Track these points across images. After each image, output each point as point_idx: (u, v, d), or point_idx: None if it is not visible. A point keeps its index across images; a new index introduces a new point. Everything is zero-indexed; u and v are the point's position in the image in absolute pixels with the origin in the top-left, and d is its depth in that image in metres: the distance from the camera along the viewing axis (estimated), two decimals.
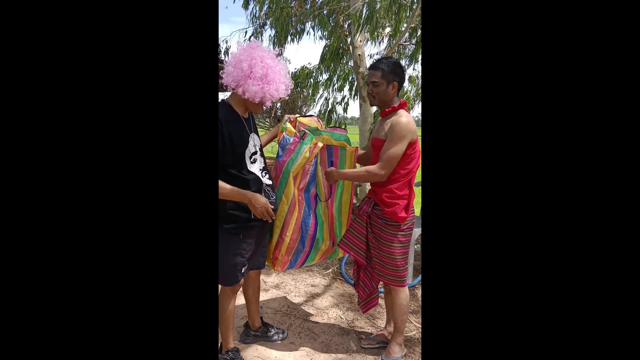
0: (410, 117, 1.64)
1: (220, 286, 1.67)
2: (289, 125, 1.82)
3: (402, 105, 1.69)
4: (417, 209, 3.99)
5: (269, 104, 1.55)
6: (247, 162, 1.57)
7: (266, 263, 1.88)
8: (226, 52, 5.25)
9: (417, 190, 1.89)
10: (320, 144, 1.80)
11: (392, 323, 1.91)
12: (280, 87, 1.50)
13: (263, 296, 2.37)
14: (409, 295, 1.86)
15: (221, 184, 1.48)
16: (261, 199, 1.55)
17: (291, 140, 1.78)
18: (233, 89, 1.52)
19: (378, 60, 1.71)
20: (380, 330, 2.03)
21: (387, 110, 1.70)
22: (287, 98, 1.70)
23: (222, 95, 1.68)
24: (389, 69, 1.65)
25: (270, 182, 1.67)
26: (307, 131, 1.81)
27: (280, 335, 2.00)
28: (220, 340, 1.77)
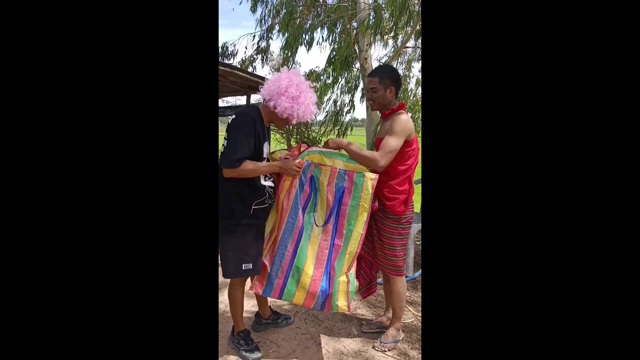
0: (408, 117, 1.80)
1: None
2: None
3: (400, 107, 1.84)
4: (416, 206, 4.10)
5: (294, 122, 1.73)
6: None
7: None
8: (231, 55, 5.44)
9: (417, 188, 2.01)
10: (304, 161, 1.76)
11: (390, 310, 2.05)
12: (308, 110, 1.69)
13: None
14: (406, 284, 2.00)
15: (255, 163, 1.65)
16: (284, 163, 1.73)
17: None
18: (266, 102, 1.71)
19: (375, 68, 1.88)
20: (380, 316, 2.18)
21: (386, 112, 1.86)
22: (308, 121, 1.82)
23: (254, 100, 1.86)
24: (386, 75, 1.83)
25: (272, 185, 1.82)
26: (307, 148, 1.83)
27: (288, 321, 2.16)
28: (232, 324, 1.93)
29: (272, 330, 2.11)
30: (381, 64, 5.23)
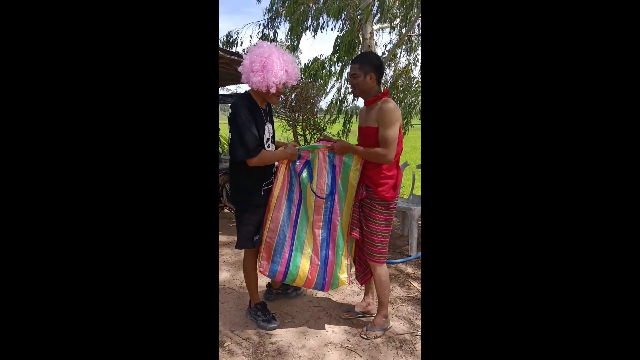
0: (395, 105, 1.75)
1: (243, 251, 1.99)
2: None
3: (385, 94, 1.81)
4: (406, 191, 4.13)
5: (274, 90, 1.74)
6: (265, 145, 1.84)
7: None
8: (233, 43, 5.49)
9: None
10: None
11: (370, 294, 2.11)
12: (279, 74, 1.70)
13: None
14: (387, 270, 1.97)
15: (272, 151, 1.84)
16: (290, 149, 1.92)
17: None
18: (250, 85, 1.79)
19: (358, 55, 1.87)
20: (359, 303, 2.18)
21: (371, 100, 1.82)
22: (294, 84, 1.85)
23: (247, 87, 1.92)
24: (366, 62, 1.81)
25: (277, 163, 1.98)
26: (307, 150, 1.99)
27: (297, 292, 2.32)
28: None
29: (287, 303, 2.24)
30: (385, 51, 5.30)
